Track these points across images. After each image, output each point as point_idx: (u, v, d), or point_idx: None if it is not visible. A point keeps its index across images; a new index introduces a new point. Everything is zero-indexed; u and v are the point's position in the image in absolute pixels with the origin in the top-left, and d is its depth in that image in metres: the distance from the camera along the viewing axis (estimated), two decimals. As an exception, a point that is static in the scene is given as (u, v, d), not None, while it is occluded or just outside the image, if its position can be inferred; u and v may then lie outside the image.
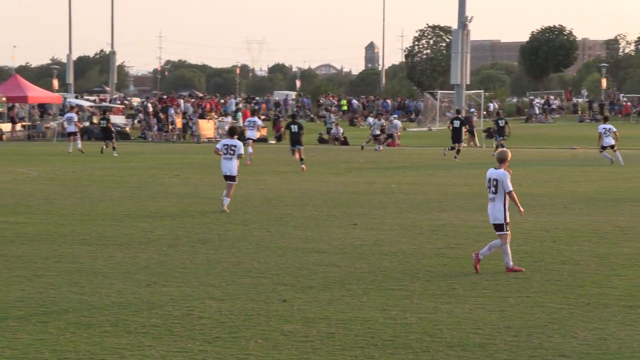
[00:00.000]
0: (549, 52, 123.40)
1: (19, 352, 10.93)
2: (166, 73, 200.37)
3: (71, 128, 49.48)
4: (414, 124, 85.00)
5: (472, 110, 73.39)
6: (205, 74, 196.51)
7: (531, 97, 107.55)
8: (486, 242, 18.38)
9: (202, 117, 67.81)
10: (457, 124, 46.01)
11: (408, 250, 17.81)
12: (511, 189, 15.73)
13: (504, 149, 16.36)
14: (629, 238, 19.22)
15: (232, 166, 24.13)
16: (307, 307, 13.07)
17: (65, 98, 75.23)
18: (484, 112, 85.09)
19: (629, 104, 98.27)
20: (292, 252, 17.65)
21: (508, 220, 15.76)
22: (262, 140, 58.76)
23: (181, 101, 79.90)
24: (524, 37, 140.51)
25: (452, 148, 44.80)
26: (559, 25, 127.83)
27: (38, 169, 37.61)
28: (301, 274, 15.51)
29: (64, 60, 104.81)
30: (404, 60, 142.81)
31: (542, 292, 14.09)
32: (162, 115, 67.88)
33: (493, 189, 15.77)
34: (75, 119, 50.24)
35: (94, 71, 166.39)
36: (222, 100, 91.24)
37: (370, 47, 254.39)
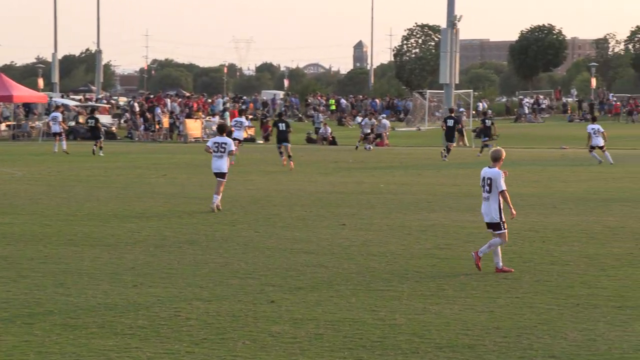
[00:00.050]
0: (539, 51, 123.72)
1: (4, 354, 10.82)
2: (153, 72, 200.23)
3: (56, 128, 49.33)
4: (402, 123, 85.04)
5: (462, 109, 73.50)
6: (192, 73, 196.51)
7: (520, 97, 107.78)
8: (476, 243, 18.39)
9: (189, 116, 67.66)
10: (450, 123, 45.98)
11: (397, 250, 17.75)
12: (504, 188, 15.66)
13: (499, 147, 16.27)
14: (618, 238, 19.19)
15: (222, 163, 24.14)
16: (295, 308, 13.00)
17: (50, 97, 74.97)
18: (473, 112, 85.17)
19: (618, 103, 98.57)
20: (280, 252, 17.57)
21: (504, 218, 15.70)
22: (250, 140, 58.66)
23: (168, 100, 79.73)
24: (513, 37, 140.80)
25: (449, 151, 44.54)
26: (549, 24, 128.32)
27: (23, 169, 37.44)
28: (289, 275, 15.43)
29: (50, 59, 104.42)
30: (392, 59, 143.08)
31: (532, 292, 14.05)
32: (148, 115, 67.71)
33: (487, 187, 15.72)
34: (60, 118, 50.09)
35: (80, 70, 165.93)
36: (210, 100, 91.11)
37: (359, 46, 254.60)
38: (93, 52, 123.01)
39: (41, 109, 72.15)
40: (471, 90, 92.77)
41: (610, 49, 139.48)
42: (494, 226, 15.75)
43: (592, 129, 40.30)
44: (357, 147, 52.26)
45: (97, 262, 16.59)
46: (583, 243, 18.57)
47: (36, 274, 15.46)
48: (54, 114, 51.24)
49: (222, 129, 25.21)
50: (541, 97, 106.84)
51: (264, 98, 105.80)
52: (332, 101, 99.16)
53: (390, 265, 16.32)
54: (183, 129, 62.87)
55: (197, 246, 18.25)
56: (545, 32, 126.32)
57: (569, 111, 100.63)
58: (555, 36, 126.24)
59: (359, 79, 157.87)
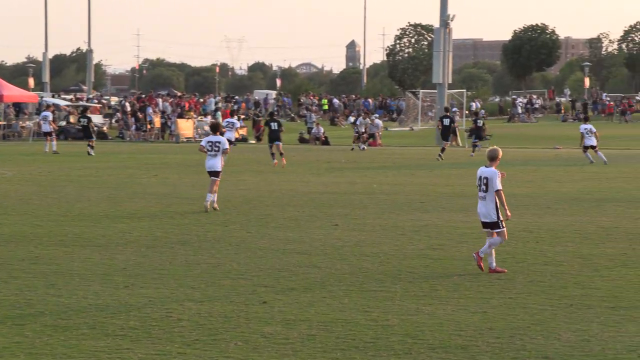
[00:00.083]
0: (532, 50, 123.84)
1: (-6, 356, 10.76)
2: (144, 72, 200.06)
3: (46, 127, 49.25)
4: (395, 123, 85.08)
5: (455, 109, 73.50)
6: (184, 73, 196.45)
7: (514, 97, 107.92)
8: (469, 243, 18.37)
9: (180, 116, 67.59)
10: (446, 122, 46.02)
11: (390, 251, 17.70)
12: (499, 187, 15.61)
13: (495, 147, 16.20)
14: (612, 238, 19.17)
15: (216, 162, 24.11)
16: (287, 309, 12.94)
17: (41, 97, 74.77)
18: (466, 112, 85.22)
19: (611, 103, 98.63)
20: (273, 253, 17.51)
21: (502, 217, 15.65)
22: (242, 140, 58.61)
23: (159, 100, 79.69)
24: (507, 36, 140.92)
25: (444, 150, 44.52)
26: (542, 23, 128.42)
27: (13, 169, 37.34)
28: (281, 276, 15.37)
29: (40, 58, 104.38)
30: (385, 59, 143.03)
31: (525, 293, 14.00)
32: (140, 115, 67.63)
33: (484, 187, 15.67)
34: (50, 117, 50.01)
35: (71, 70, 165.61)
36: (202, 100, 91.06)
37: (352, 46, 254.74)
38: (84, 51, 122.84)
39: (32, 109, 72.00)
40: (464, 90, 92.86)
41: (604, 49, 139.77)
42: (493, 225, 15.70)
43: (585, 129, 40.34)
44: (352, 148, 52.21)
45: (88, 262, 16.51)
46: (577, 243, 18.53)
47: (27, 275, 15.39)
48: (44, 113, 51.17)
49: (216, 128, 25.26)
50: (534, 96, 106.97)
51: (256, 98, 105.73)
52: (325, 101, 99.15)
53: (383, 265, 16.27)
54: (175, 128, 62.79)
55: (189, 247, 18.18)
56: (539, 31, 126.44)
57: (563, 111, 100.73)
58: (548, 36, 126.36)
59: (351, 79, 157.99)
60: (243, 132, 61.03)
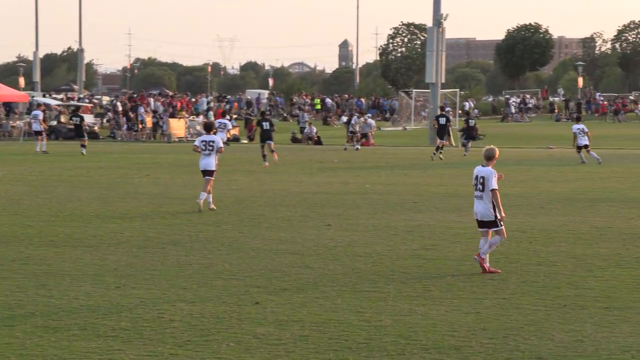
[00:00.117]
0: (525, 50, 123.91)
1: (-17, 357, 10.69)
2: (136, 71, 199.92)
3: (36, 126, 49.17)
4: (388, 123, 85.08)
5: (448, 109, 73.50)
6: (175, 72, 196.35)
7: (507, 96, 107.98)
8: (462, 243, 18.34)
9: (172, 116, 67.56)
10: (442, 121, 46.08)
11: (383, 251, 17.65)
12: (495, 187, 15.56)
13: (492, 146, 16.16)
14: (605, 239, 19.14)
15: (210, 161, 24.07)
16: (280, 310, 12.89)
17: (32, 96, 74.67)
18: (460, 111, 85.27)
19: (605, 102, 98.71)
20: (265, 253, 17.45)
21: (499, 216, 15.60)
22: (234, 140, 58.55)
23: (151, 100, 79.62)
24: (500, 35, 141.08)
25: (439, 149, 44.48)
26: (535, 23, 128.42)
27: (4, 169, 37.22)
28: (274, 276, 15.31)
29: (31, 57, 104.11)
30: (378, 58, 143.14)
31: (519, 293, 13.96)
32: (131, 114, 67.56)
33: (480, 186, 15.62)
34: (41, 116, 49.92)
35: (62, 69, 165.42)
36: (193, 99, 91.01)
37: (344, 45, 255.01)
38: (75, 50, 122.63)
39: (22, 108, 71.86)
40: (458, 90, 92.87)
41: (597, 48, 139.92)
42: (490, 224, 15.64)
43: (577, 129, 40.36)
44: (345, 148, 52.16)
45: (79, 263, 16.44)
46: (570, 243, 18.50)
47: (17, 276, 15.31)
48: (35, 112, 51.16)
49: (210, 127, 25.26)
50: (528, 96, 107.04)
51: (249, 97, 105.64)
52: (317, 100, 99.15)
53: (376, 266, 16.22)
54: (166, 128, 62.72)
55: (181, 247, 18.12)
56: (532, 31, 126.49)
57: (556, 111, 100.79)
58: (541, 35, 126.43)
59: (344, 78, 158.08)
60: (235, 131, 60.96)
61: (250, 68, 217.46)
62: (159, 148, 53.93)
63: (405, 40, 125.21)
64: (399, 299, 13.57)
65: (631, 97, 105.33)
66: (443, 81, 64.40)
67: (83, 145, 46.16)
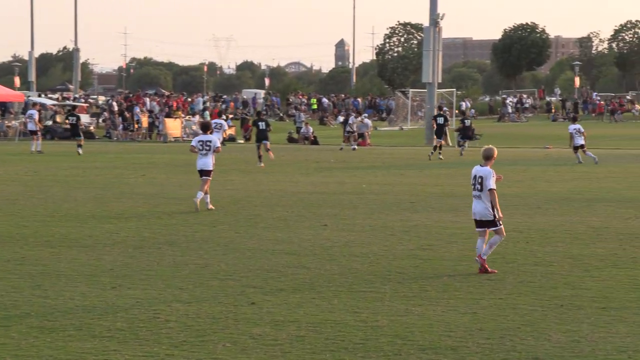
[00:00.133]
0: (522, 50, 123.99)
1: (-22, 358, 10.66)
2: (131, 71, 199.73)
3: (32, 126, 49.13)
4: (385, 123, 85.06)
5: (445, 109, 73.47)
6: (171, 72, 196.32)
7: (504, 96, 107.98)
8: (459, 243, 18.32)
9: (168, 115, 67.46)
10: (440, 120, 46.07)
11: (379, 251, 17.62)
12: (492, 187, 15.54)
13: (491, 146, 16.12)
14: (602, 239, 19.13)
15: (207, 161, 24.04)
16: (276, 310, 12.86)
17: (27, 96, 74.62)
18: (456, 111, 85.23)
19: (602, 102, 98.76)
20: (261, 253, 17.42)
21: (497, 216, 15.57)
22: (230, 139, 58.51)
23: (147, 99, 79.56)
24: (497, 35, 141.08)
25: (437, 148, 44.48)
26: (532, 22, 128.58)
27: None
28: (270, 276, 15.28)
29: (26, 57, 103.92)
30: (374, 58, 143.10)
31: (515, 293, 13.94)
32: (127, 114, 67.47)
33: (478, 186, 15.60)
34: (36, 116, 49.87)
35: (57, 69, 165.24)
36: (189, 99, 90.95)
37: (341, 45, 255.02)
38: (70, 50, 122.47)
39: (17, 108, 71.78)
40: (454, 90, 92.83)
41: (594, 48, 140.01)
42: (489, 224, 15.61)
43: (574, 129, 40.38)
44: (342, 148, 52.15)
45: (75, 263, 16.41)
46: (567, 244, 18.49)
47: (13, 276, 15.28)
48: (30, 111, 51.12)
49: (206, 127, 25.21)
50: (524, 96, 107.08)
51: (245, 97, 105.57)
52: (314, 100, 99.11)
53: (373, 266, 16.20)
54: (162, 128, 62.65)
55: (177, 247, 18.08)
56: (529, 30, 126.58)
57: (553, 110, 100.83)
58: (538, 35, 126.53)
59: (340, 78, 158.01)
60: (231, 131, 60.92)
61: (247, 68, 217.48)
62: (155, 148, 53.87)
63: (402, 39, 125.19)
64: (396, 299, 13.55)
65: (628, 97, 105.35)
66: (440, 81, 64.37)
67: (79, 145, 46.13)
